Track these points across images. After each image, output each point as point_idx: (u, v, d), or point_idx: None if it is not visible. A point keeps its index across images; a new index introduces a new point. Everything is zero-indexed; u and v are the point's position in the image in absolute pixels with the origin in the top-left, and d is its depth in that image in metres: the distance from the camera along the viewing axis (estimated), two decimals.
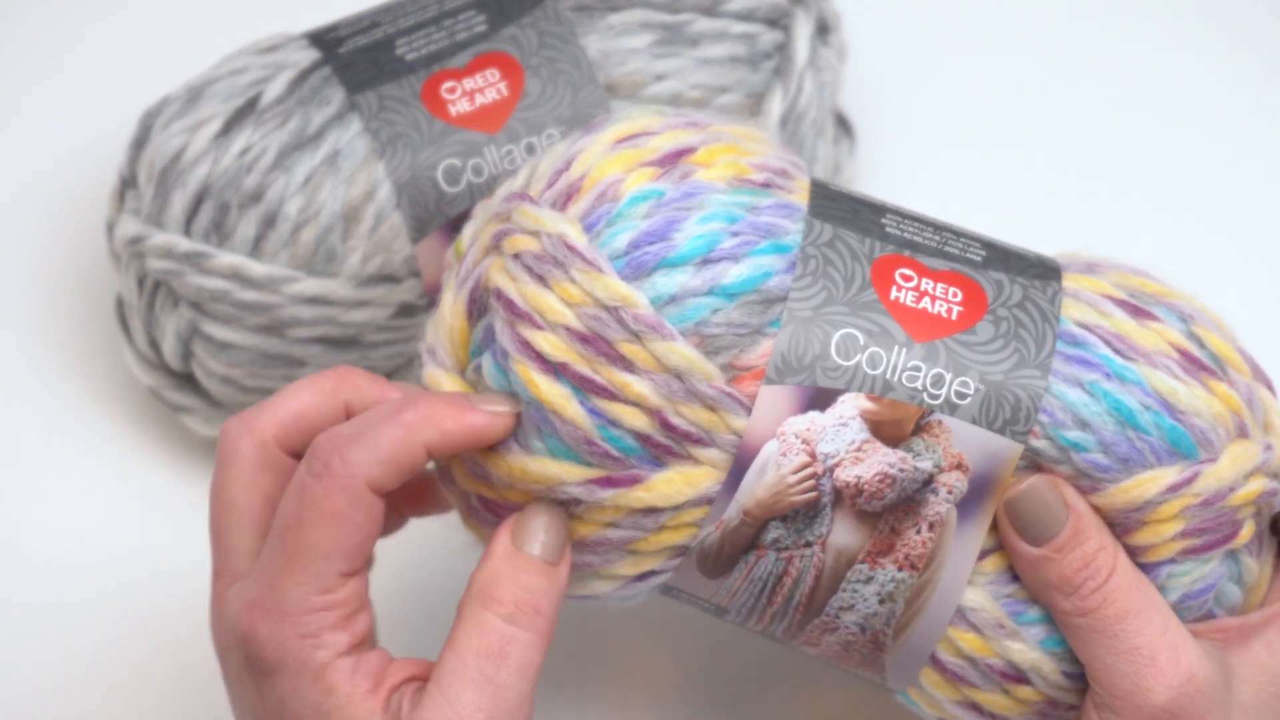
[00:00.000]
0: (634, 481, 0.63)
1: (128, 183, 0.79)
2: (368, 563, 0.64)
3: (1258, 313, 0.78)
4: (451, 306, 0.65)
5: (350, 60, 0.78)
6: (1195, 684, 0.63)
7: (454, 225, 0.77)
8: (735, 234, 0.64)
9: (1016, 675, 0.65)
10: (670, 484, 0.63)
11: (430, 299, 0.78)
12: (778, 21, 0.81)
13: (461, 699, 0.61)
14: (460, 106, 0.77)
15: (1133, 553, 0.65)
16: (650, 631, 0.78)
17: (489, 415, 0.63)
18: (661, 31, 0.79)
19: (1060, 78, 0.92)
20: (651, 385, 0.63)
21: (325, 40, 0.79)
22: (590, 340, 0.63)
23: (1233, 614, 0.66)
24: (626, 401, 0.63)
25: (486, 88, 0.77)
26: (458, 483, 0.66)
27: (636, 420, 0.63)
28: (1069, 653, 0.65)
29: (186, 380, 0.80)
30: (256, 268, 0.76)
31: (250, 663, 0.63)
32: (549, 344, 0.63)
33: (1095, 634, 0.64)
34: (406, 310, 0.78)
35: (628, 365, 0.63)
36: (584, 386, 0.63)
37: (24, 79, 0.92)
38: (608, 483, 0.63)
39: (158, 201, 0.77)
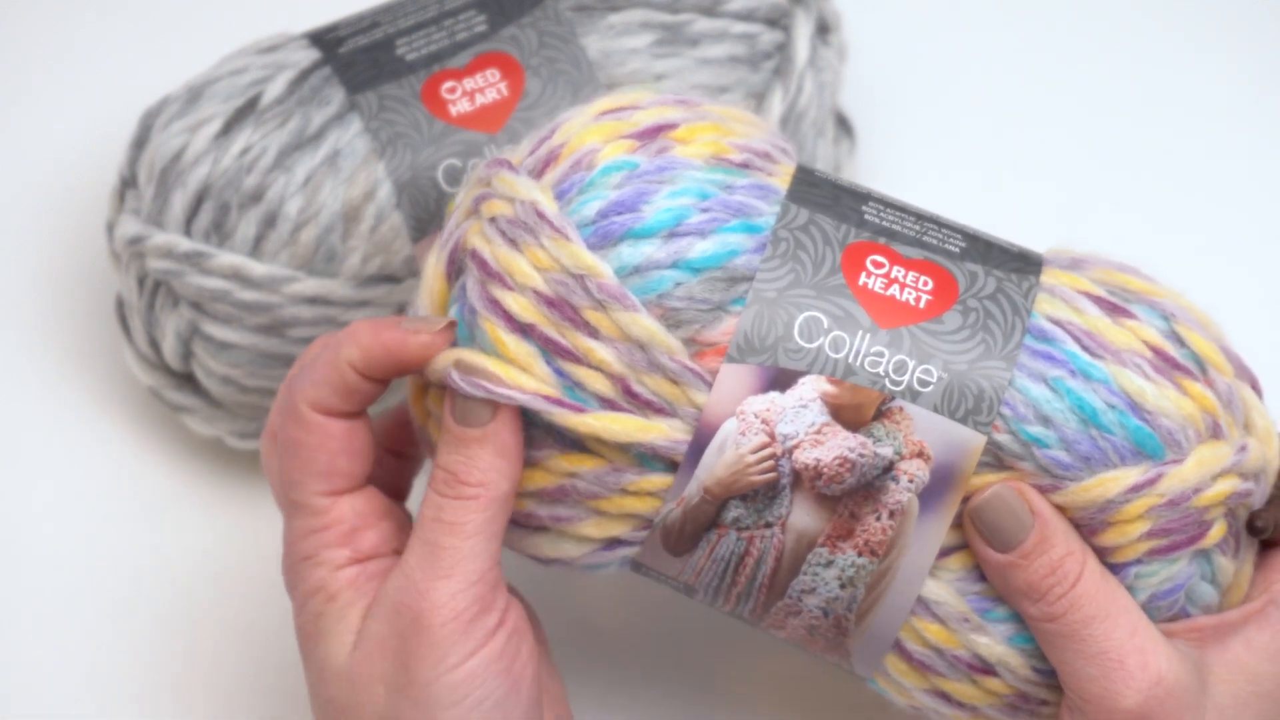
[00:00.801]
0: (584, 411, 0.64)
1: (128, 183, 0.79)
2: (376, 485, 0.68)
3: (1260, 308, 0.78)
4: (433, 267, 0.66)
5: (350, 60, 0.78)
6: (1164, 687, 0.63)
7: None
8: (705, 210, 0.64)
9: (984, 668, 0.66)
10: (619, 422, 0.63)
11: None
12: (778, 21, 0.81)
13: (408, 561, 0.64)
14: (460, 106, 0.77)
15: (1100, 553, 0.65)
16: (635, 610, 0.78)
17: (403, 331, 0.64)
18: (661, 31, 0.79)
19: (1061, 77, 0.92)
20: (615, 353, 0.63)
21: (325, 40, 0.79)
22: (557, 305, 0.63)
23: (1209, 613, 0.66)
24: (590, 366, 0.63)
25: (487, 88, 0.77)
26: (430, 437, 0.67)
27: (600, 384, 0.63)
28: (1039, 649, 0.65)
29: (186, 380, 0.80)
30: (256, 268, 0.76)
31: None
32: (518, 305, 0.64)
33: (1063, 639, 0.64)
34: (407, 310, 0.78)
35: (592, 332, 0.63)
36: (550, 348, 0.63)
37: (24, 79, 0.92)
38: (559, 402, 0.63)
39: (158, 201, 0.77)
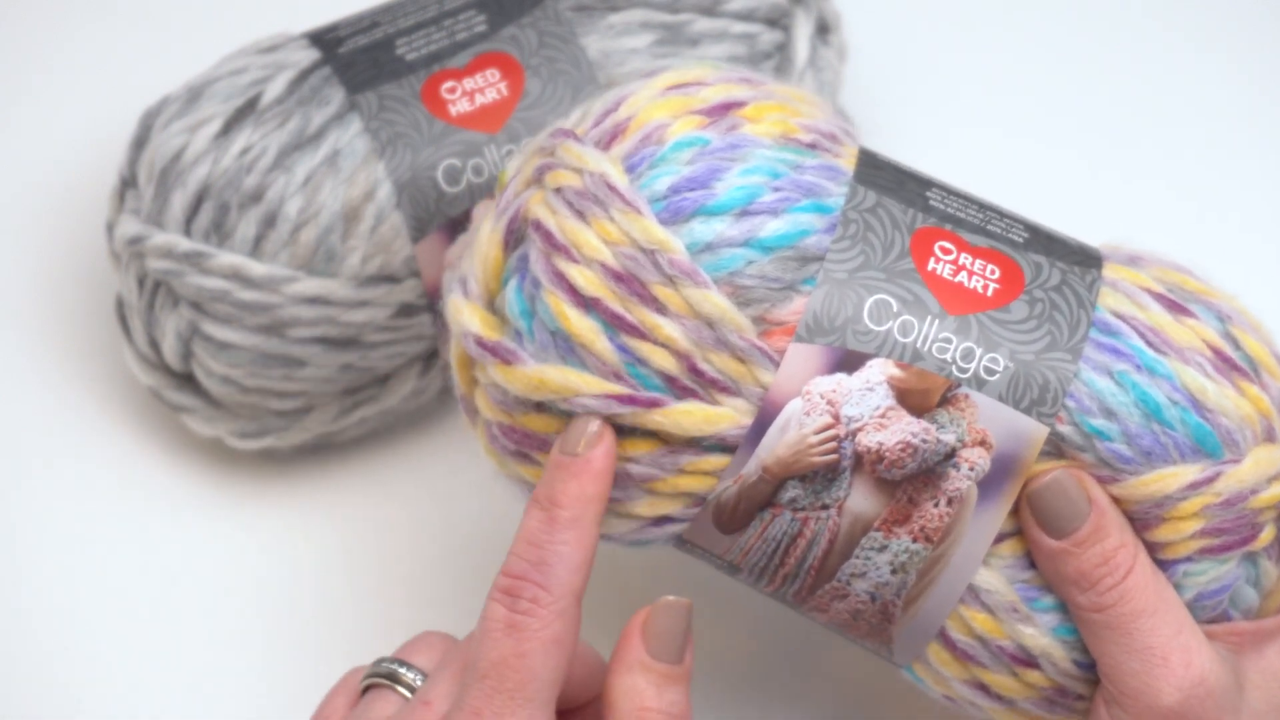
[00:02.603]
0: (654, 404, 0.63)
1: (128, 183, 0.79)
2: None
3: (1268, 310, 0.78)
4: (488, 235, 0.65)
5: (350, 60, 0.78)
6: (1206, 687, 0.63)
7: (454, 225, 0.77)
8: (776, 189, 0.64)
9: (1026, 659, 0.65)
10: (689, 415, 0.63)
11: (430, 299, 0.77)
12: (778, 21, 0.81)
13: None
14: (460, 106, 0.77)
15: (1151, 549, 0.65)
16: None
17: (577, 459, 0.63)
18: (661, 31, 0.79)
19: (1062, 76, 0.92)
20: (682, 330, 0.63)
21: (325, 40, 0.79)
22: (625, 279, 0.63)
23: (1248, 617, 0.66)
24: (656, 342, 0.63)
25: (486, 88, 0.77)
26: (480, 411, 0.66)
27: (665, 361, 0.63)
28: (1081, 642, 0.65)
29: (186, 380, 0.80)
30: (256, 268, 0.76)
31: None
32: (583, 278, 0.63)
33: (1109, 630, 0.64)
34: (406, 310, 0.78)
35: (660, 308, 0.63)
36: (615, 323, 0.63)
37: (24, 79, 0.92)
38: (629, 400, 0.63)
39: (158, 201, 0.77)
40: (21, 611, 0.79)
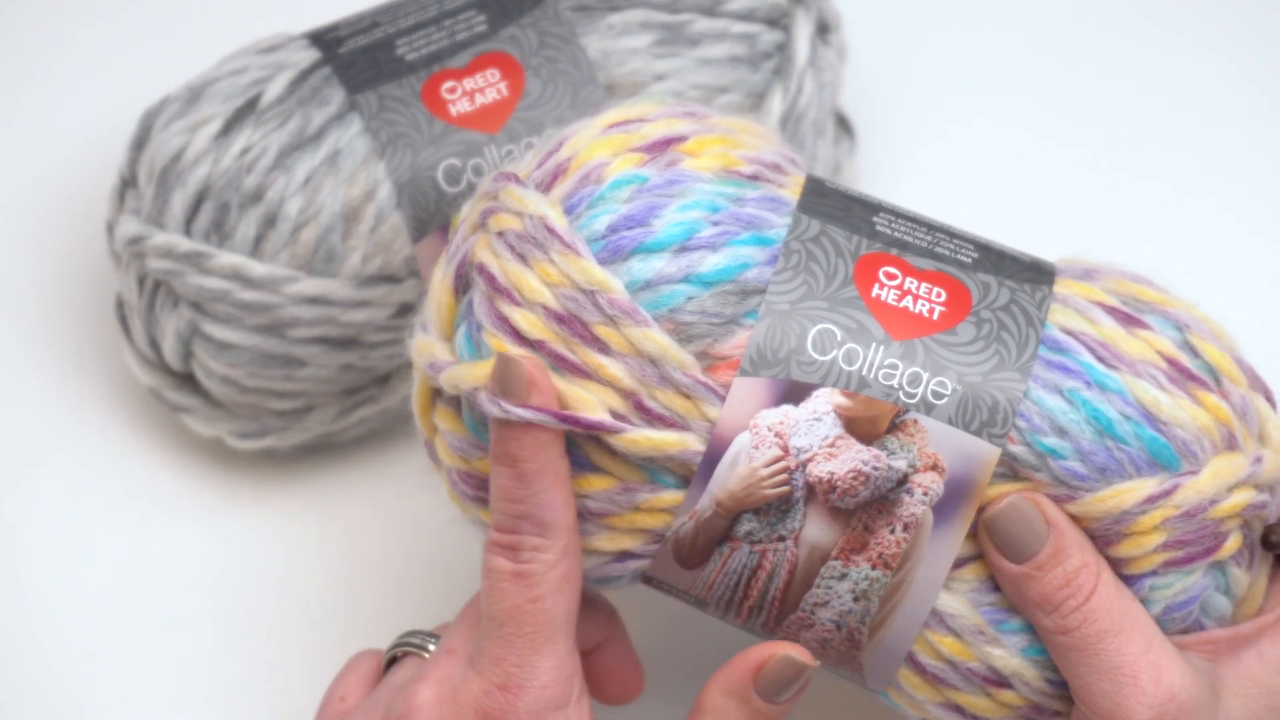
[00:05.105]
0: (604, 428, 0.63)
1: (128, 183, 0.79)
2: None
3: (1265, 319, 0.78)
4: (440, 281, 0.66)
5: (350, 60, 0.78)
6: (1177, 703, 0.63)
7: None
8: (716, 223, 0.64)
9: (998, 680, 0.65)
10: (636, 444, 0.63)
11: None
12: (778, 21, 0.81)
13: None
14: (460, 106, 0.77)
15: (1115, 565, 0.65)
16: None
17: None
18: (662, 31, 0.79)
19: (1061, 77, 0.92)
20: (626, 368, 0.63)
21: (325, 40, 0.79)
22: (567, 320, 0.63)
23: (1223, 625, 0.66)
24: (601, 382, 0.63)
25: (487, 88, 0.77)
26: (440, 459, 0.66)
27: (612, 400, 0.63)
28: (1052, 661, 0.65)
29: (186, 380, 0.80)
30: (257, 268, 0.76)
31: None
32: (526, 321, 0.63)
33: (1076, 652, 0.64)
34: (406, 310, 0.78)
35: (603, 347, 0.63)
36: (560, 364, 0.63)
37: (24, 79, 0.92)
38: (574, 421, 0.63)
39: (158, 201, 0.77)
40: (21, 611, 0.79)
